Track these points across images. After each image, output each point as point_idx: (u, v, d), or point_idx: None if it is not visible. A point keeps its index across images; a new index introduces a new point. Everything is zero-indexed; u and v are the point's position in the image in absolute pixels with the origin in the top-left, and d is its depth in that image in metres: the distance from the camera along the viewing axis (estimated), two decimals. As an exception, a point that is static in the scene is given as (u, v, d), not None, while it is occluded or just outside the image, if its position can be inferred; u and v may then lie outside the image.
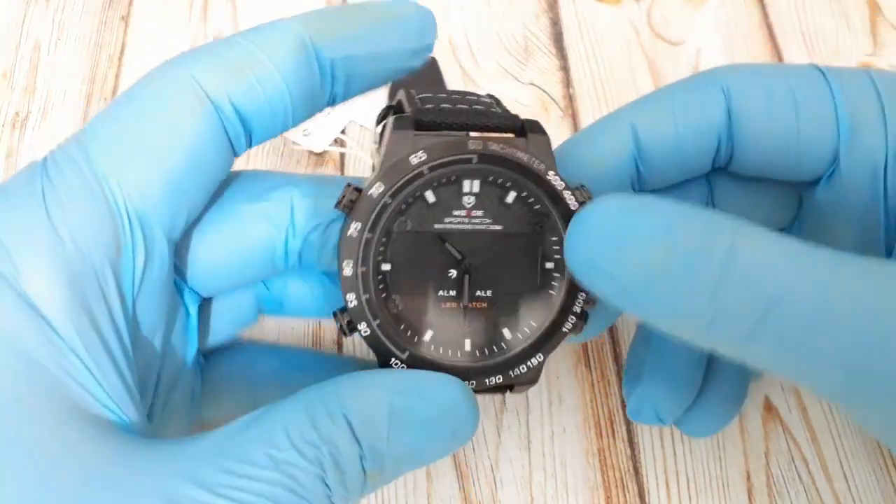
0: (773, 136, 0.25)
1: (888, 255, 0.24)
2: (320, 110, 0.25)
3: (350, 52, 0.24)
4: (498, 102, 0.27)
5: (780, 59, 0.44)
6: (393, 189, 0.23)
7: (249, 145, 0.25)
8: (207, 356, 0.28)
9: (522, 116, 0.25)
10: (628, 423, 0.33)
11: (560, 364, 0.34)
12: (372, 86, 0.25)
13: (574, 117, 0.42)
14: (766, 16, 0.45)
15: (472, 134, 0.24)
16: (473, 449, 0.32)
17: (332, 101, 0.25)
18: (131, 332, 0.22)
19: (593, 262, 0.21)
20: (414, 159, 0.23)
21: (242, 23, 0.45)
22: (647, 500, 0.31)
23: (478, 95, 0.27)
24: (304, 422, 0.21)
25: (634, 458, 0.32)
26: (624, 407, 0.33)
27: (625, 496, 0.32)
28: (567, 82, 0.43)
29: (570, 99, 0.42)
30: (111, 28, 0.45)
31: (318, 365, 0.30)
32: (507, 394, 0.26)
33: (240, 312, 0.28)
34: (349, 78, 0.24)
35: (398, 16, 0.24)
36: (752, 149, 0.25)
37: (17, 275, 0.20)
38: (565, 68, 0.43)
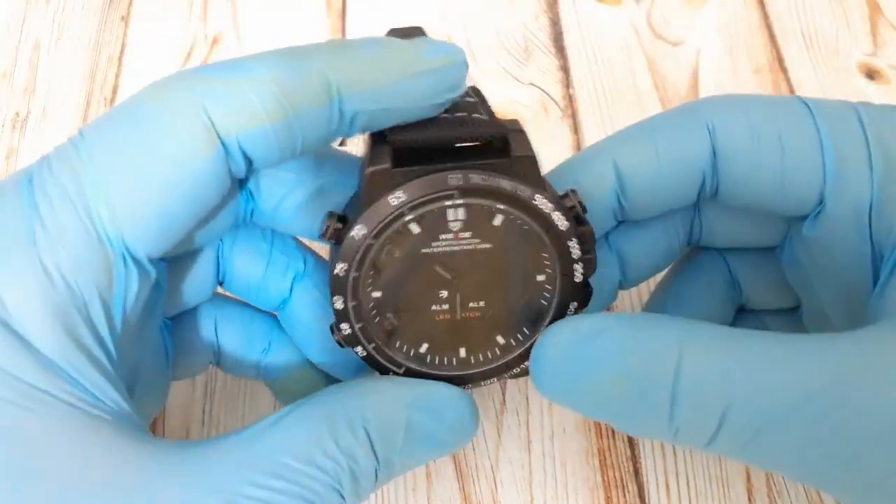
0: (758, 175, 0.25)
1: (874, 286, 0.24)
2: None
3: (376, 107, 0.22)
4: (482, 100, 0.26)
5: (779, 59, 0.44)
6: (375, 231, 0.23)
7: (249, 175, 0.24)
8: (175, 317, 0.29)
9: (512, 116, 0.25)
10: (628, 423, 0.33)
11: (560, 364, 0.34)
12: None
13: (574, 117, 0.42)
14: (766, 16, 0.45)
15: (454, 169, 0.24)
16: (473, 449, 0.32)
17: (343, 138, 0.24)
18: (118, 344, 0.22)
19: (556, 395, 0.22)
20: (394, 200, 0.23)
21: (242, 23, 0.45)
22: (647, 500, 0.31)
23: (462, 97, 0.26)
24: (325, 434, 0.22)
25: (634, 458, 0.32)
26: (624, 407, 0.34)
27: (625, 496, 0.32)
28: (567, 82, 0.43)
29: (570, 99, 0.42)
30: (111, 28, 0.45)
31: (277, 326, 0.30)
32: (507, 395, 0.27)
33: (203, 281, 0.28)
34: (367, 125, 0.23)
35: (433, 67, 0.23)
36: (737, 186, 0.25)
37: (6, 311, 0.20)
38: (565, 68, 0.43)
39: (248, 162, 0.22)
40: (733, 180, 0.25)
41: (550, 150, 0.40)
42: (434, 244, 0.24)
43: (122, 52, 0.44)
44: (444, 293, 0.25)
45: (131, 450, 0.21)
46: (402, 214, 0.23)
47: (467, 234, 0.24)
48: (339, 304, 0.24)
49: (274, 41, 0.44)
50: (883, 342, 0.20)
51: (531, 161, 0.23)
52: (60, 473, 0.20)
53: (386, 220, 0.23)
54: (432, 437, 0.23)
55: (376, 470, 0.22)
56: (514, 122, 0.24)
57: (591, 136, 0.41)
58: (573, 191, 0.24)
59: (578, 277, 0.25)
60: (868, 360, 0.19)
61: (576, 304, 0.25)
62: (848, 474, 0.20)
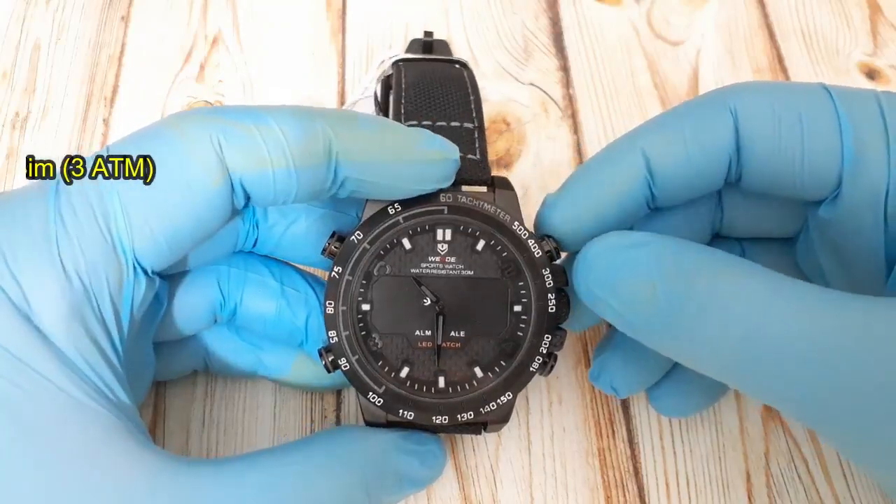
0: (777, 159, 0.25)
1: (889, 270, 0.25)
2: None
3: (366, 178, 0.25)
4: (481, 130, 0.29)
5: (779, 59, 0.44)
6: (371, 236, 0.27)
7: (245, 209, 0.27)
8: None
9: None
10: (628, 423, 0.33)
11: (560, 364, 0.34)
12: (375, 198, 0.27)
13: (574, 117, 0.42)
14: (766, 16, 0.45)
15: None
16: (473, 449, 0.32)
17: (332, 198, 0.27)
18: (124, 345, 0.24)
19: (593, 293, 0.24)
20: (391, 210, 0.27)
21: (243, 23, 0.45)
22: (646, 501, 0.31)
23: (461, 122, 0.29)
24: (322, 479, 0.24)
25: (634, 458, 0.32)
26: (624, 407, 0.34)
27: (625, 496, 0.32)
28: (567, 82, 0.43)
29: (570, 99, 0.42)
30: (111, 28, 0.45)
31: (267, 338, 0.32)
32: (483, 433, 0.29)
33: (196, 313, 0.29)
34: (354, 191, 0.26)
35: (424, 159, 0.25)
36: (758, 170, 0.26)
37: (28, 307, 0.22)
38: (565, 68, 0.43)
39: (247, 198, 0.25)
40: (755, 164, 0.25)
41: (550, 150, 0.40)
42: (423, 265, 0.27)
43: (122, 52, 0.44)
44: (428, 318, 0.27)
45: (132, 454, 0.22)
46: (397, 223, 0.27)
47: (452, 259, 0.27)
48: (330, 310, 0.27)
49: (274, 41, 0.44)
50: None
51: (513, 198, 0.27)
52: (62, 463, 0.21)
53: (382, 227, 0.26)
54: (417, 480, 0.27)
55: None
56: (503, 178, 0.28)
57: (590, 137, 0.41)
58: (549, 236, 0.27)
59: (552, 308, 0.27)
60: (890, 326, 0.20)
61: (550, 336, 0.27)
62: (854, 422, 0.20)
